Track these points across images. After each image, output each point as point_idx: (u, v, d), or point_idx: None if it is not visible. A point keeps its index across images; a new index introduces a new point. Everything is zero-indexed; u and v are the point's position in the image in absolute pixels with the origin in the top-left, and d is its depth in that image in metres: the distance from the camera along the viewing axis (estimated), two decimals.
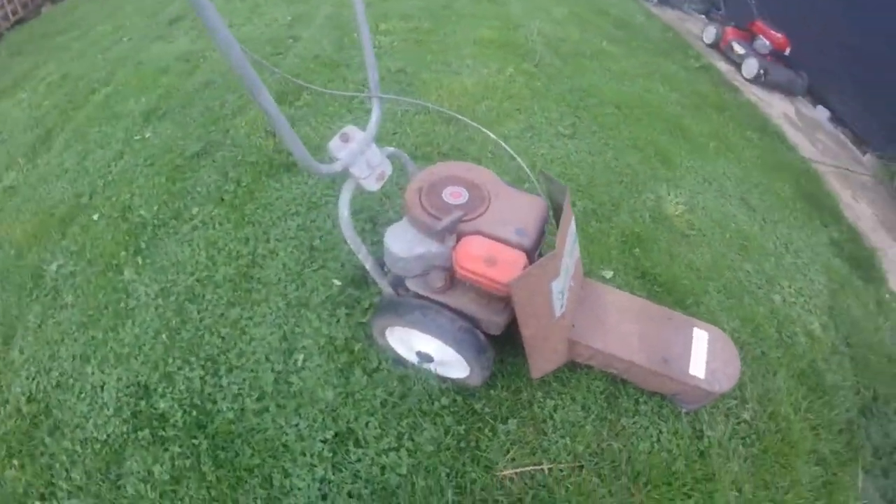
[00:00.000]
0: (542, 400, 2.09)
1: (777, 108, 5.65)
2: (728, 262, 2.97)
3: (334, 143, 1.66)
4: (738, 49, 6.11)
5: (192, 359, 2.19)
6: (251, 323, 2.31)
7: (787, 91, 6.00)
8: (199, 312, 2.36)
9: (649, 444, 2.03)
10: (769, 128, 4.93)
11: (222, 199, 2.90)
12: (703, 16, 7.41)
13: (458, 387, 2.08)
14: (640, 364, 1.91)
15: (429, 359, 1.97)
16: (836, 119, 5.84)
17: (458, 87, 3.92)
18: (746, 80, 5.98)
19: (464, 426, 1.99)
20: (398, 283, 1.92)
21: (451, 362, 1.95)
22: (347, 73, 4.08)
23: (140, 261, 2.62)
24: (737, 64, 6.17)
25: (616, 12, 6.46)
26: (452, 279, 1.78)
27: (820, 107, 6.00)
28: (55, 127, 3.96)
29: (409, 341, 1.99)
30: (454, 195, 1.79)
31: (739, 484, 1.99)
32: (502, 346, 2.05)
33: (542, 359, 1.90)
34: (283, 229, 2.71)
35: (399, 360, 2.13)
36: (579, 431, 2.02)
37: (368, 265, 1.86)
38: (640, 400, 2.14)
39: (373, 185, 1.78)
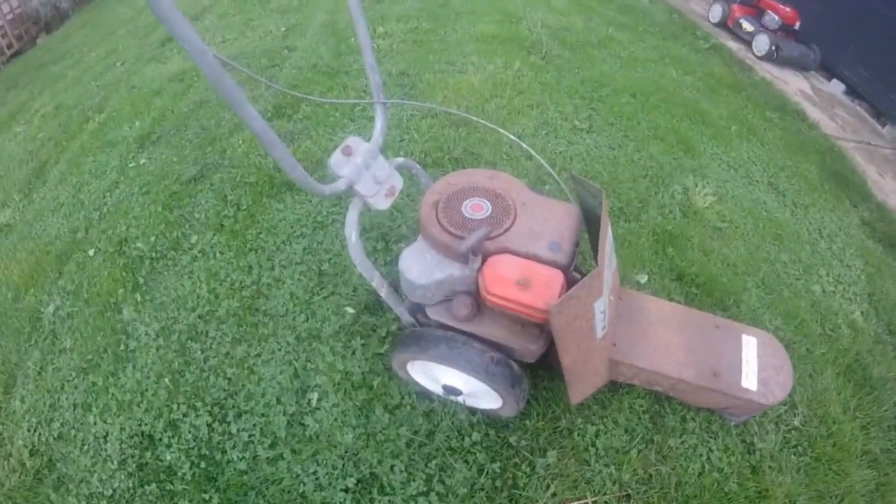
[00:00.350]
0: (582, 426, 1.92)
1: (792, 84, 5.53)
2: (764, 253, 2.84)
3: (335, 159, 1.47)
4: (747, 26, 5.99)
5: (198, 404, 2.04)
6: (259, 361, 2.15)
7: (800, 66, 5.89)
8: (202, 352, 2.21)
9: (699, 465, 1.89)
10: (788, 106, 4.80)
11: (222, 226, 2.74)
12: None
13: (490, 419, 1.91)
14: (688, 380, 1.76)
15: (456, 392, 1.78)
16: (852, 92, 5.74)
17: (464, 87, 3.75)
18: (758, 57, 5.86)
19: (499, 463, 1.82)
20: (418, 309, 1.74)
21: (481, 393, 1.76)
22: (347, 81, 3.93)
23: (139, 298, 2.47)
24: (746, 42, 6.05)
25: None
26: (479, 305, 1.59)
27: (835, 80, 5.89)
28: (50, 159, 3.86)
29: (433, 374, 1.80)
30: (475, 208, 1.60)
31: (793, 497, 1.87)
32: (536, 370, 1.88)
33: (582, 383, 1.71)
34: (289, 254, 2.54)
35: (423, 393, 1.95)
36: (624, 458, 1.87)
37: (383, 293, 1.68)
38: (688, 416, 1.99)
39: (382, 204, 1.60)
